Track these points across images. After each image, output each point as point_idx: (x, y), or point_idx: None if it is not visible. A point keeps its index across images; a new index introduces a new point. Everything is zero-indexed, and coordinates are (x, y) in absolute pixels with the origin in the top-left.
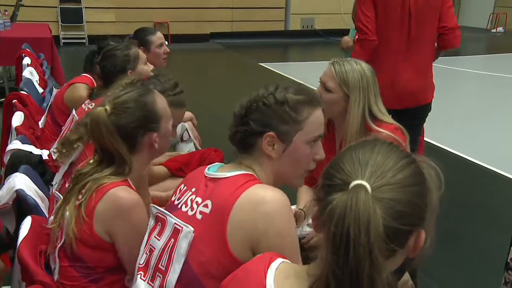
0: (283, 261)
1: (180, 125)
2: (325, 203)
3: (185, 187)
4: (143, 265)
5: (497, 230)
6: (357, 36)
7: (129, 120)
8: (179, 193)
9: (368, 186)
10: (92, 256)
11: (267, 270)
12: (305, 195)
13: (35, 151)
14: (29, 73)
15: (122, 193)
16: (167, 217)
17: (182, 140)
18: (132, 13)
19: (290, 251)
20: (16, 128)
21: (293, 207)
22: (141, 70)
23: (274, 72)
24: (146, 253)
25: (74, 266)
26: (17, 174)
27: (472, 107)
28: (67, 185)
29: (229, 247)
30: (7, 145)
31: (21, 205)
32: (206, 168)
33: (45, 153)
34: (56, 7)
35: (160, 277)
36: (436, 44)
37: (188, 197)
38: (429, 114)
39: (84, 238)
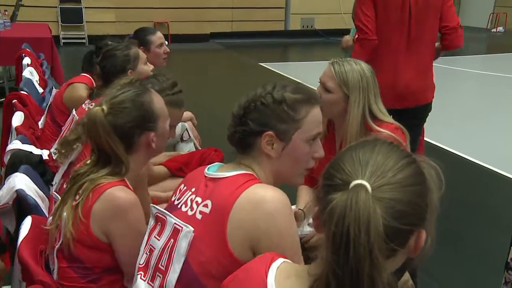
0: (284, 261)
1: (180, 125)
2: (325, 202)
3: (185, 187)
4: (143, 265)
5: (497, 230)
6: (357, 36)
7: (126, 120)
8: (179, 193)
9: (368, 185)
10: (89, 256)
11: (268, 270)
12: (305, 195)
13: (35, 151)
14: (29, 73)
15: (119, 193)
16: (167, 217)
17: (182, 140)
18: (132, 13)
19: (291, 251)
20: (16, 128)
21: (293, 207)
22: (141, 70)
23: (274, 72)
24: (146, 253)
25: (72, 267)
26: (17, 174)
27: (472, 107)
28: (65, 185)
29: (229, 247)
30: (7, 145)
31: (21, 205)
32: (206, 168)
33: (45, 153)
34: (56, 7)
35: (160, 277)
36: (440, 44)
37: (188, 197)
38: (429, 114)
39: (81, 238)
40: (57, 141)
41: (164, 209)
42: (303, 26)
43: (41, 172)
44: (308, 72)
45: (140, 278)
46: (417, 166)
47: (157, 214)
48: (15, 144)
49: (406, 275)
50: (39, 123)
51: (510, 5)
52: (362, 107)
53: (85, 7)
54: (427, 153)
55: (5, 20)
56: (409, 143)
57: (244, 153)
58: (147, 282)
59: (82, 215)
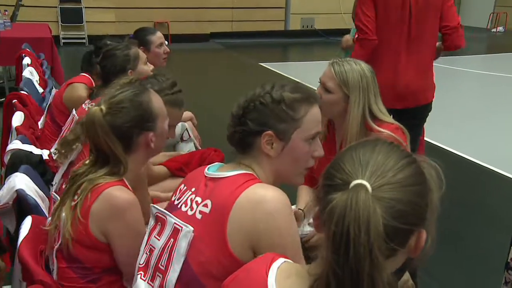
0: (285, 261)
1: (180, 124)
2: (326, 202)
3: (185, 187)
4: (143, 265)
5: (497, 230)
6: (357, 35)
7: (125, 120)
8: (179, 193)
9: (368, 185)
10: (88, 256)
11: (268, 270)
12: (305, 195)
13: (36, 151)
14: (29, 73)
15: (118, 193)
16: (167, 217)
17: (182, 140)
18: (132, 13)
19: (292, 251)
20: (16, 128)
21: (293, 207)
22: (141, 70)
23: (274, 72)
24: (146, 253)
25: (71, 267)
26: (17, 174)
27: (472, 106)
28: (64, 186)
29: (229, 246)
30: (7, 145)
31: (21, 205)
32: (206, 168)
33: (45, 153)
34: (56, 7)
35: (160, 276)
36: (441, 44)
37: (188, 197)
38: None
39: (80, 238)
40: (57, 141)
41: (164, 209)
42: (303, 26)
43: (41, 172)
44: (308, 72)
45: (140, 278)
46: (417, 166)
47: (157, 214)
48: (15, 144)
49: (406, 275)
50: (39, 123)
51: (510, 5)
52: (362, 107)
53: (85, 7)
54: (427, 153)
55: (5, 20)
56: (409, 143)
57: (244, 153)
58: (147, 282)
59: (80, 215)
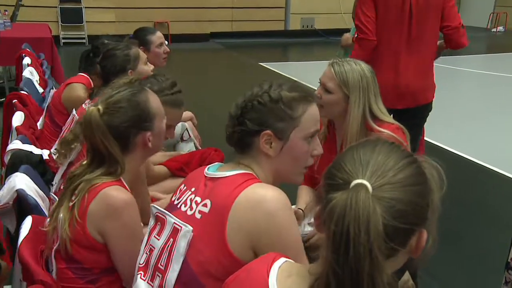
0: (286, 261)
1: (180, 124)
2: (326, 202)
3: (185, 187)
4: (143, 264)
5: (497, 230)
6: (356, 35)
7: (122, 120)
8: (179, 193)
9: (368, 185)
10: (87, 257)
11: (269, 269)
12: (305, 194)
13: (36, 151)
14: (29, 73)
15: (114, 193)
16: (167, 216)
17: (182, 139)
18: (132, 13)
19: (292, 250)
20: (16, 128)
21: (293, 207)
22: (141, 70)
23: (274, 71)
24: (146, 252)
25: (70, 268)
26: (17, 174)
27: (472, 106)
28: (62, 186)
29: (228, 246)
30: (7, 145)
31: (21, 205)
32: (206, 168)
33: (45, 153)
34: (56, 7)
35: (159, 276)
36: (443, 43)
37: (188, 197)
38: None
39: (78, 239)
40: (57, 141)
41: (164, 208)
42: (303, 26)
43: (41, 172)
44: (308, 72)
45: (140, 277)
46: (418, 166)
47: (157, 213)
48: (15, 144)
49: (407, 275)
50: (38, 123)
51: (510, 5)
52: (363, 107)
53: (85, 7)
54: (427, 153)
55: (5, 20)
56: (409, 142)
57: (243, 153)
58: (147, 282)
59: (78, 216)
